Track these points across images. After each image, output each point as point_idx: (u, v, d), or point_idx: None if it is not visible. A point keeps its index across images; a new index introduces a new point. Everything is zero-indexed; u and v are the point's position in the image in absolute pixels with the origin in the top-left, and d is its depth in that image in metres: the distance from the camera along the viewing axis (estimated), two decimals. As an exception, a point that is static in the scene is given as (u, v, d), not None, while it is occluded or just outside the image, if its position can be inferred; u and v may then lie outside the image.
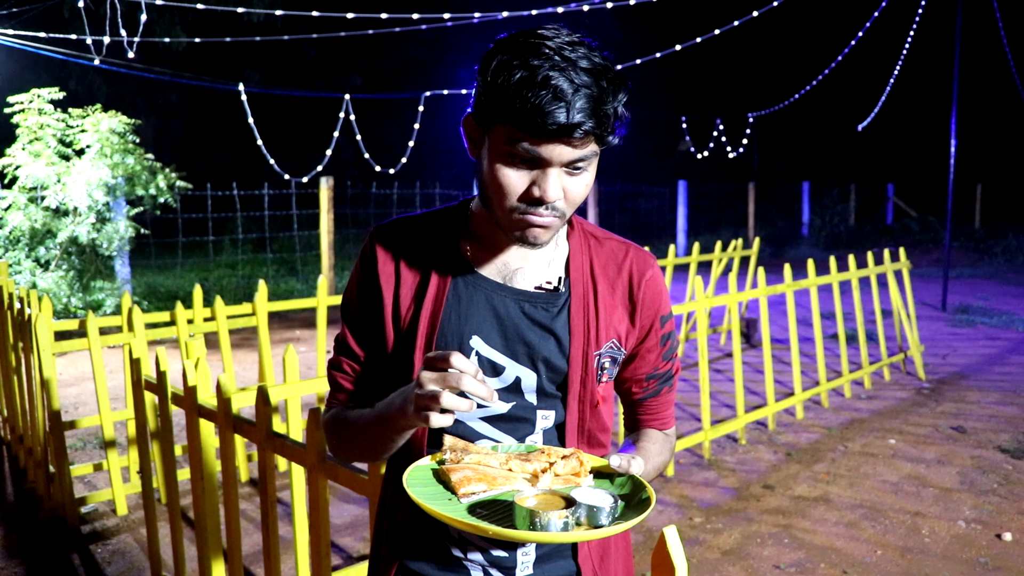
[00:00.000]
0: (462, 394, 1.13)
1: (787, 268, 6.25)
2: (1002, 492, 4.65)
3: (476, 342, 1.32)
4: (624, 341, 1.39)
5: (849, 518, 4.32)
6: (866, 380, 7.01)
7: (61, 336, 5.35)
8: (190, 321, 4.94)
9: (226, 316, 5.00)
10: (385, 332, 1.37)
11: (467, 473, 1.18)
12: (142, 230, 9.13)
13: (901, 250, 7.87)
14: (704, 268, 12.14)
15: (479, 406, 1.33)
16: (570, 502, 1.11)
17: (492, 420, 1.34)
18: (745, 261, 11.10)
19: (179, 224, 11.13)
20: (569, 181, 1.22)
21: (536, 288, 1.35)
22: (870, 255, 7.44)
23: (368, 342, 1.41)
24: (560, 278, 1.37)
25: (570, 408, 1.35)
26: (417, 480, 1.20)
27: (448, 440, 1.28)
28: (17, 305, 4.76)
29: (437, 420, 1.13)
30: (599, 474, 1.25)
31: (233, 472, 2.74)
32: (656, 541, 1.06)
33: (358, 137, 12.73)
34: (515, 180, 1.21)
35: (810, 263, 6.51)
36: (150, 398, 3.98)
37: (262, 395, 2.47)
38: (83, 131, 8.64)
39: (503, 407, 1.34)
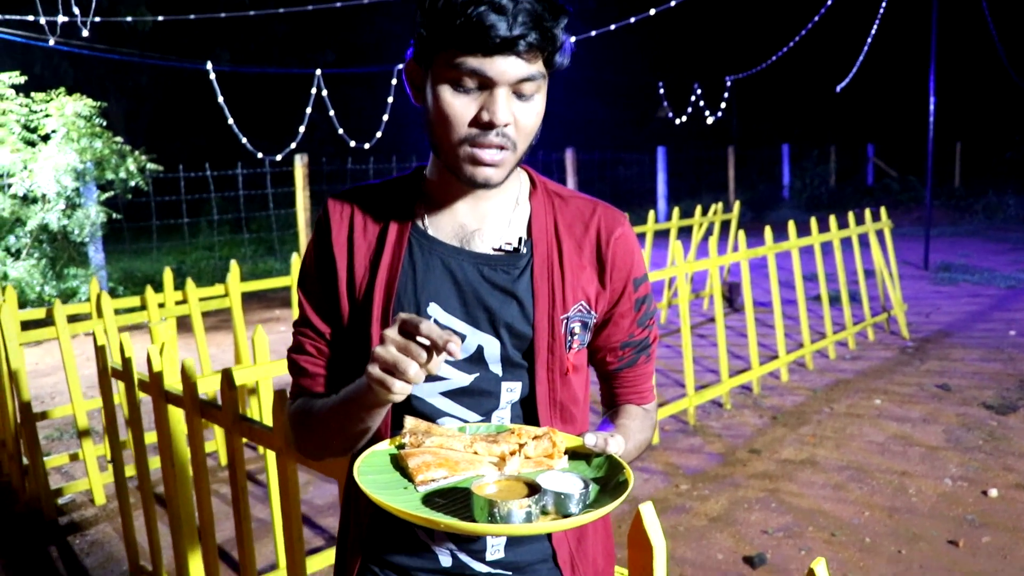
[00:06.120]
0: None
1: (767, 231, 6.19)
2: (987, 449, 4.63)
3: (434, 309, 1.24)
4: (594, 304, 1.30)
5: (836, 480, 4.29)
6: (850, 341, 6.99)
7: (29, 325, 5.21)
8: (161, 305, 4.83)
9: (198, 298, 4.89)
10: (340, 304, 1.29)
11: (426, 458, 1.08)
12: (114, 215, 8.94)
13: (882, 210, 7.82)
14: (685, 233, 12.08)
15: (439, 379, 1.24)
16: (534, 488, 1.01)
17: (454, 395, 1.26)
18: (726, 225, 11.02)
19: (152, 207, 10.92)
20: (519, 107, 1.16)
21: (495, 250, 1.27)
22: (851, 216, 7.40)
23: (331, 316, 1.31)
24: (521, 239, 1.28)
25: (539, 378, 1.26)
26: (371, 468, 1.10)
27: (409, 422, 1.18)
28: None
29: (398, 387, 1.03)
30: (575, 455, 1.15)
31: (203, 457, 2.66)
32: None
33: (331, 113, 12.53)
34: (462, 107, 1.15)
35: (791, 225, 6.45)
36: (118, 385, 3.88)
37: (227, 378, 2.39)
38: (47, 116, 8.42)
39: (465, 379, 1.25)
